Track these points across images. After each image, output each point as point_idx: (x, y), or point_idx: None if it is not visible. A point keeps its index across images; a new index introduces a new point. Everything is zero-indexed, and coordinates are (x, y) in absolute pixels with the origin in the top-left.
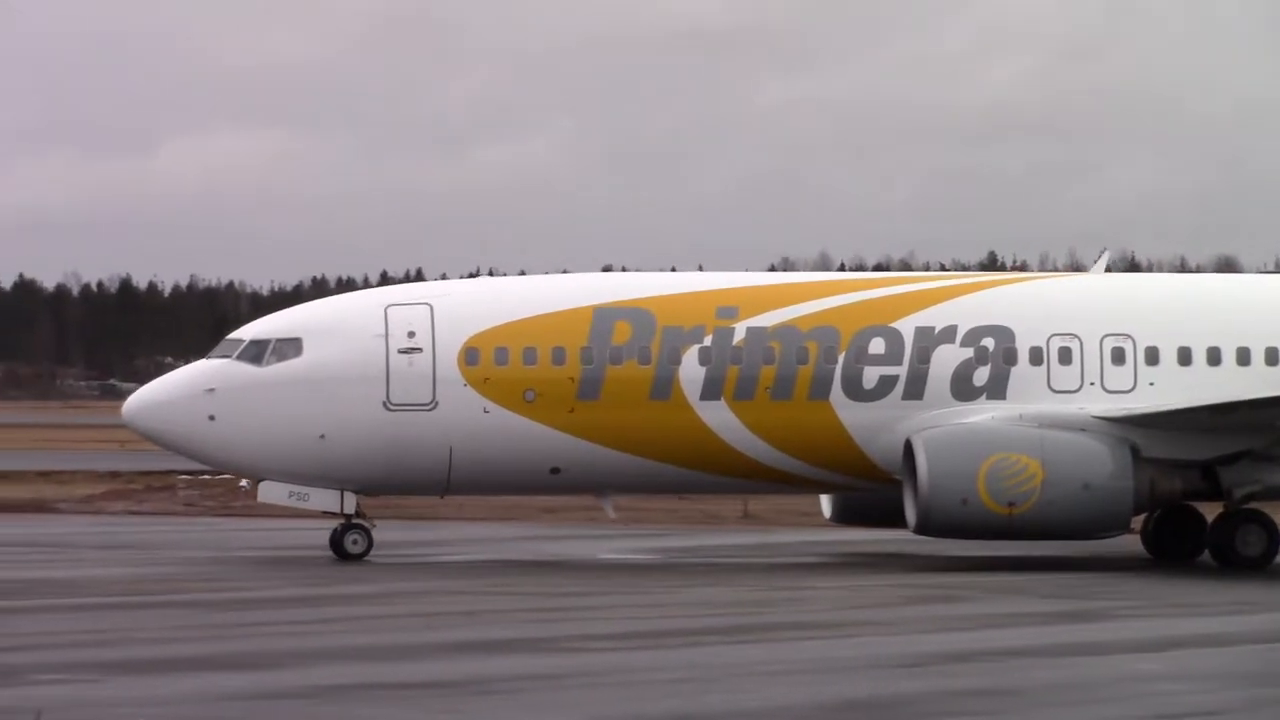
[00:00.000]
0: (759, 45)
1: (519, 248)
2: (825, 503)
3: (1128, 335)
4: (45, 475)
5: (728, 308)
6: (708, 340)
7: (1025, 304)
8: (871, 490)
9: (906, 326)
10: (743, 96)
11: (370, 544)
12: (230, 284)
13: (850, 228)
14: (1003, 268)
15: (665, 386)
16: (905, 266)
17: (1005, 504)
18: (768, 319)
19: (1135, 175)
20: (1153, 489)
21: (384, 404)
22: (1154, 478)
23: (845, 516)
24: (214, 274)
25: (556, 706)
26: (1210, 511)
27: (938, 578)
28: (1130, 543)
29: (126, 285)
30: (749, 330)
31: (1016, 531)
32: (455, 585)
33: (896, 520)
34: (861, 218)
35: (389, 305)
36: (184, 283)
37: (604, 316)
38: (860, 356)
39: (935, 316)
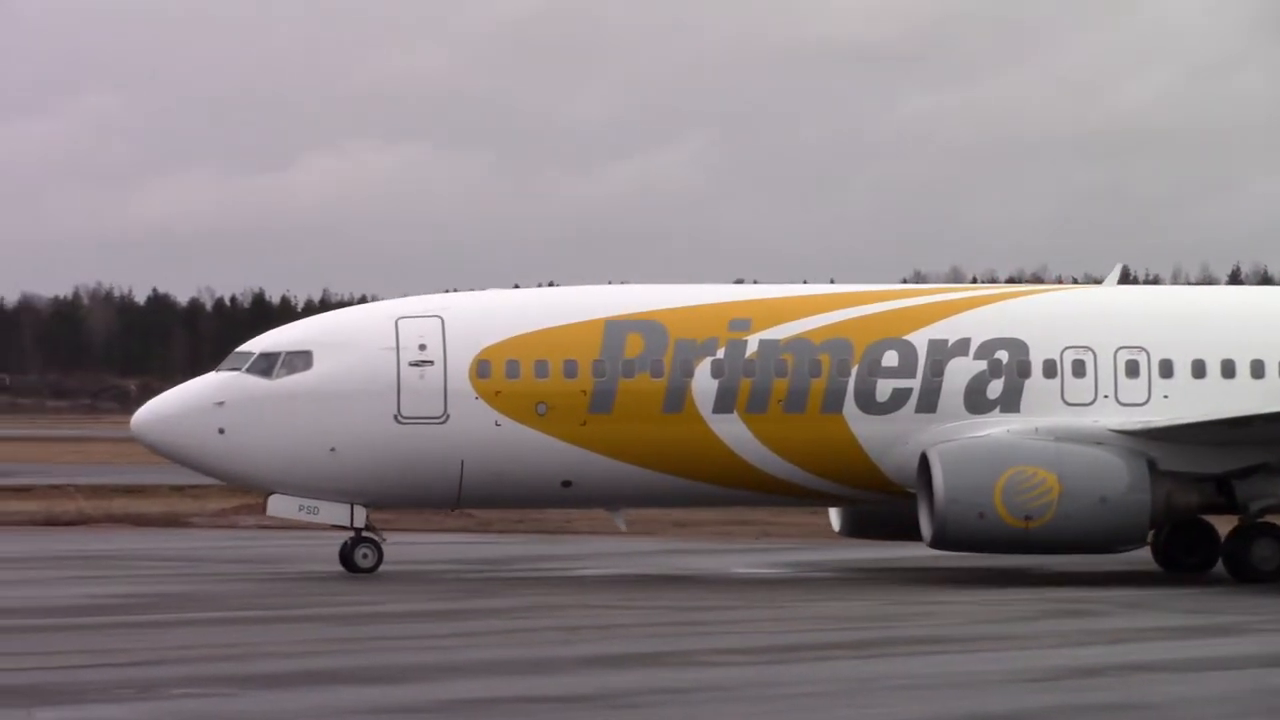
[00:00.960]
0: (897, 60)
1: (654, 262)
2: (834, 516)
3: (1142, 348)
4: (178, 490)
5: (740, 320)
6: (720, 353)
7: (1039, 316)
8: (882, 503)
9: (920, 339)
10: (880, 111)
11: (380, 558)
12: (363, 298)
13: (984, 241)
14: (1135, 281)
15: (678, 399)
16: (1037, 280)
17: (1022, 517)
18: (780, 331)
19: (1271, 190)
20: (1169, 502)
21: (395, 417)
22: (1170, 491)
23: (855, 530)
24: (347, 289)
25: None
26: (1222, 524)
27: (1069, 592)
28: (1139, 556)
29: (260, 299)
30: (761, 343)
31: (1033, 545)
32: (589, 599)
33: (907, 533)
34: (995, 231)
35: (400, 318)
36: (316, 297)
37: (616, 329)
38: (873, 369)
39: (948, 329)
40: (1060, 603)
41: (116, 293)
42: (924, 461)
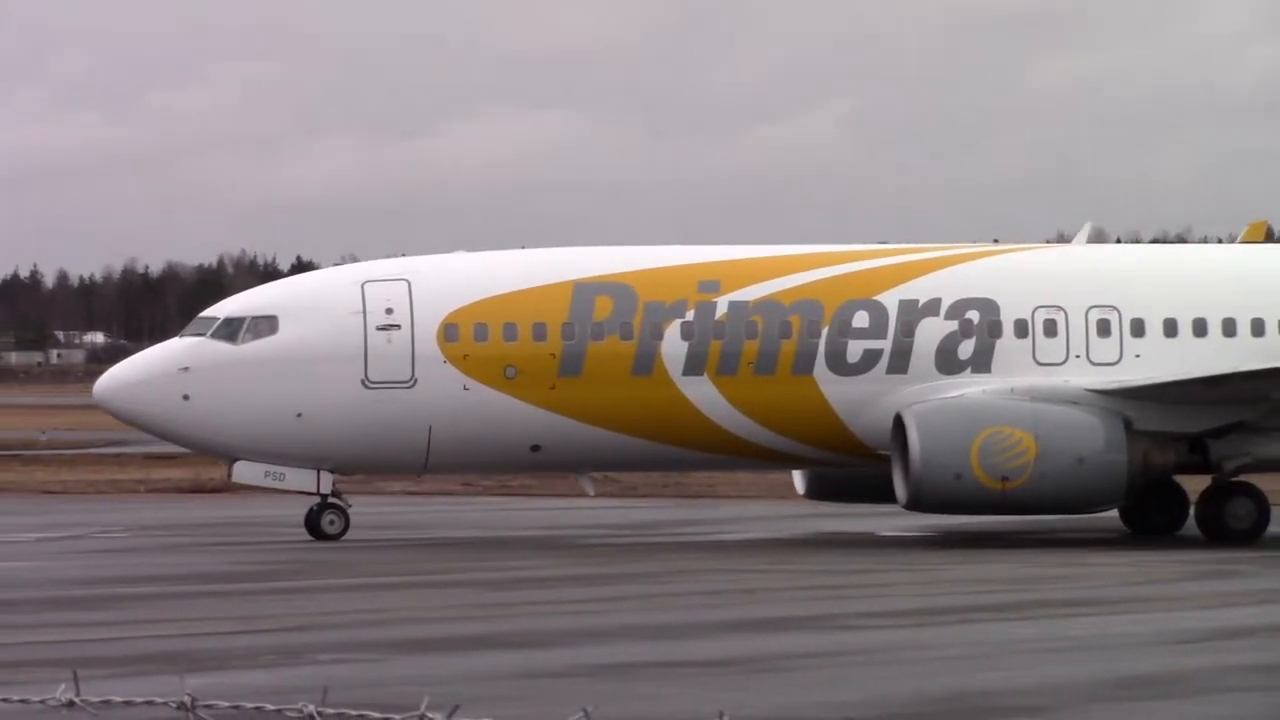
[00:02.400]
0: (1037, 26)
1: (799, 227)
2: (798, 478)
3: (1113, 307)
4: None
5: (709, 282)
6: (690, 315)
7: (1009, 276)
8: (847, 465)
9: (890, 299)
10: (1021, 74)
11: (347, 524)
12: None
13: (1125, 204)
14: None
15: (647, 362)
16: (1181, 241)
17: (999, 478)
18: (750, 293)
19: None
20: (1145, 462)
21: (362, 382)
22: (1147, 450)
23: (819, 492)
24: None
25: (835, 684)
26: (1191, 484)
27: (1219, 553)
28: (1105, 519)
29: None
30: (731, 305)
31: (1010, 506)
32: (734, 564)
33: (871, 496)
34: (1137, 194)
35: (366, 281)
36: None
37: (584, 292)
38: (844, 330)
39: (919, 289)
40: (1205, 564)
41: (261, 260)
42: (898, 422)
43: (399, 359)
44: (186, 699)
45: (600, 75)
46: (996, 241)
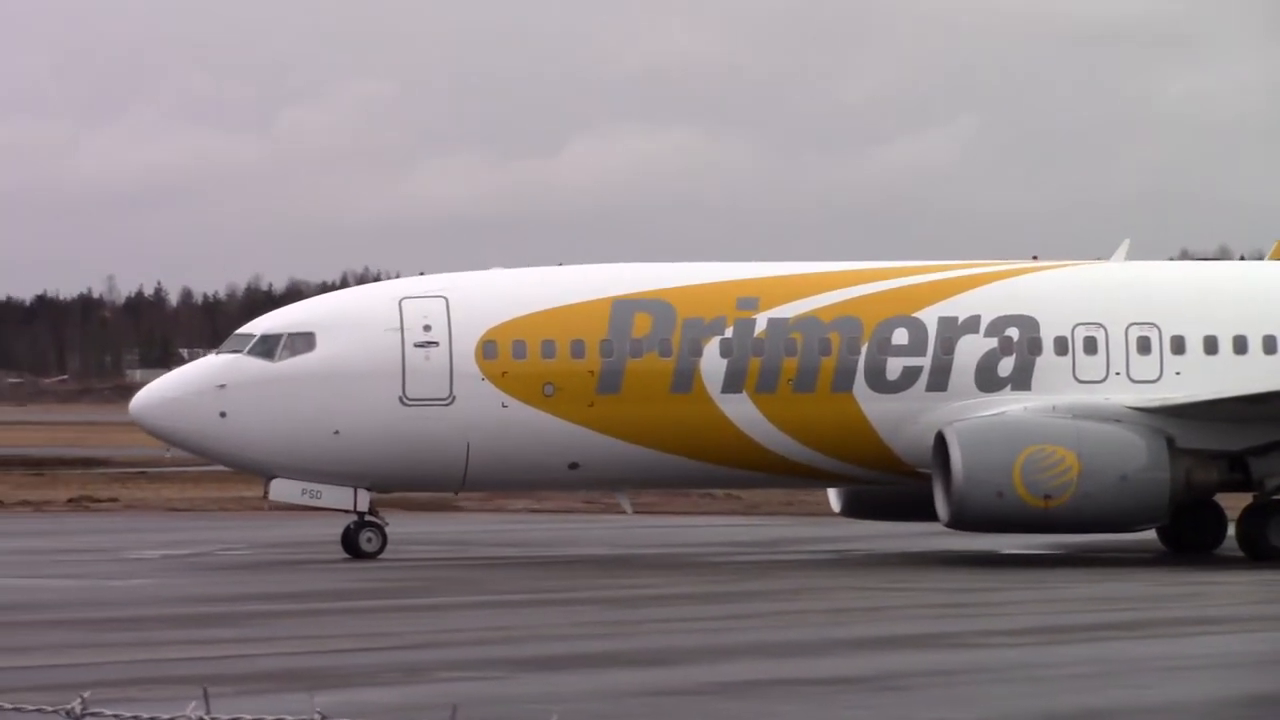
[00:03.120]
0: (1160, 41)
1: (918, 241)
2: (834, 496)
3: (1153, 324)
4: None
5: (748, 299)
6: (729, 332)
7: (1049, 293)
8: (886, 483)
9: (929, 316)
10: (1142, 90)
11: (384, 542)
12: None
13: (1251, 219)
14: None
15: (686, 379)
16: None
17: (1041, 496)
18: (789, 310)
19: None
20: (1188, 480)
21: (400, 399)
22: (1189, 468)
23: (855, 510)
24: None
25: (959, 702)
26: (1228, 502)
27: None
28: (1142, 538)
29: None
30: (770, 321)
31: (1052, 524)
32: (858, 581)
33: (908, 514)
34: (1262, 209)
35: (403, 298)
36: None
37: (623, 308)
38: (883, 347)
39: (958, 306)
40: None
41: (384, 278)
42: (940, 440)
43: (437, 376)
44: (316, 716)
45: (723, 93)
46: (1036, 258)
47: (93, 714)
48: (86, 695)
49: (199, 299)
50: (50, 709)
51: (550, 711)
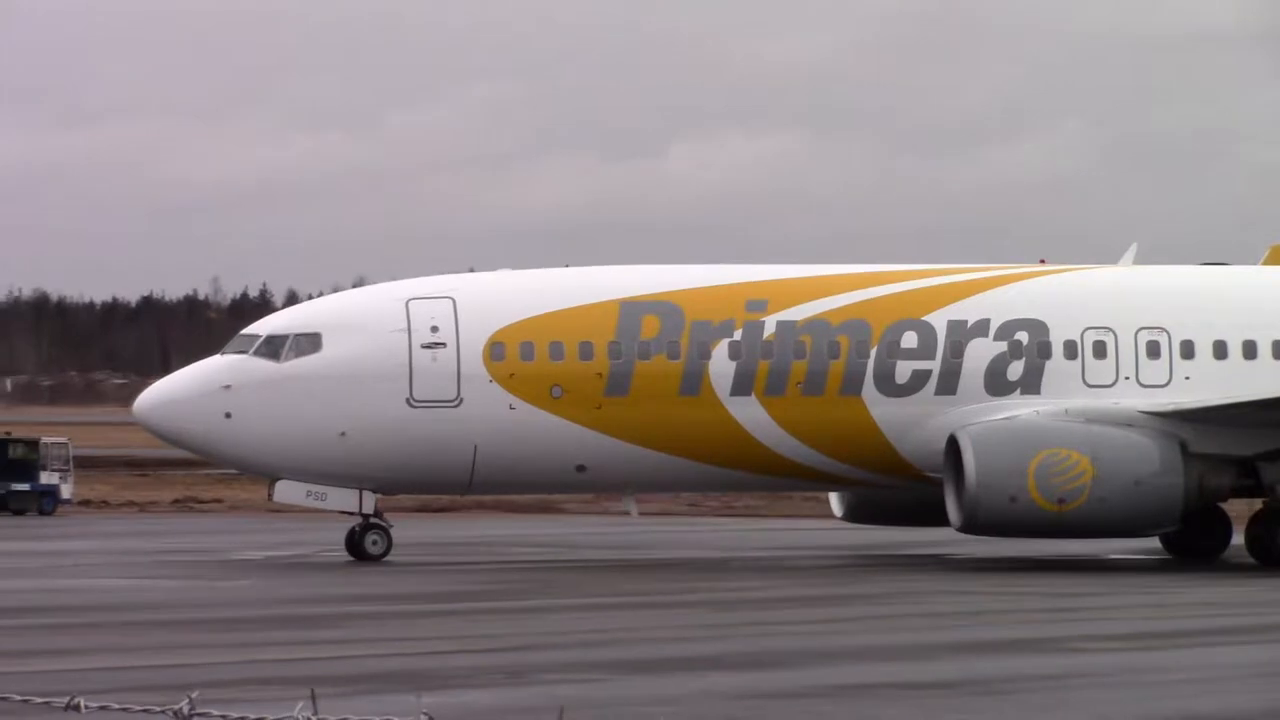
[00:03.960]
0: (1264, 46)
1: (1021, 244)
2: (835, 500)
3: (1162, 329)
4: None
5: (757, 301)
6: (737, 334)
7: (1058, 297)
8: (892, 487)
9: (939, 320)
10: (1246, 95)
11: (390, 544)
12: None
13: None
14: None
15: (694, 382)
16: None
17: (1055, 501)
18: (797, 312)
19: None
20: (1201, 485)
21: (407, 400)
22: (1203, 474)
23: (857, 515)
24: None
25: (1062, 707)
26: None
27: None
28: (1145, 544)
29: None
30: (779, 324)
31: (1065, 529)
32: (961, 585)
33: (911, 519)
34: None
35: (410, 299)
36: None
37: (631, 310)
38: (892, 351)
39: (968, 309)
40: None
41: None
42: (952, 444)
43: (444, 377)
44: (423, 717)
45: (832, 95)
46: (1043, 262)
47: (200, 714)
48: (194, 695)
49: (303, 300)
50: (158, 709)
51: (657, 714)
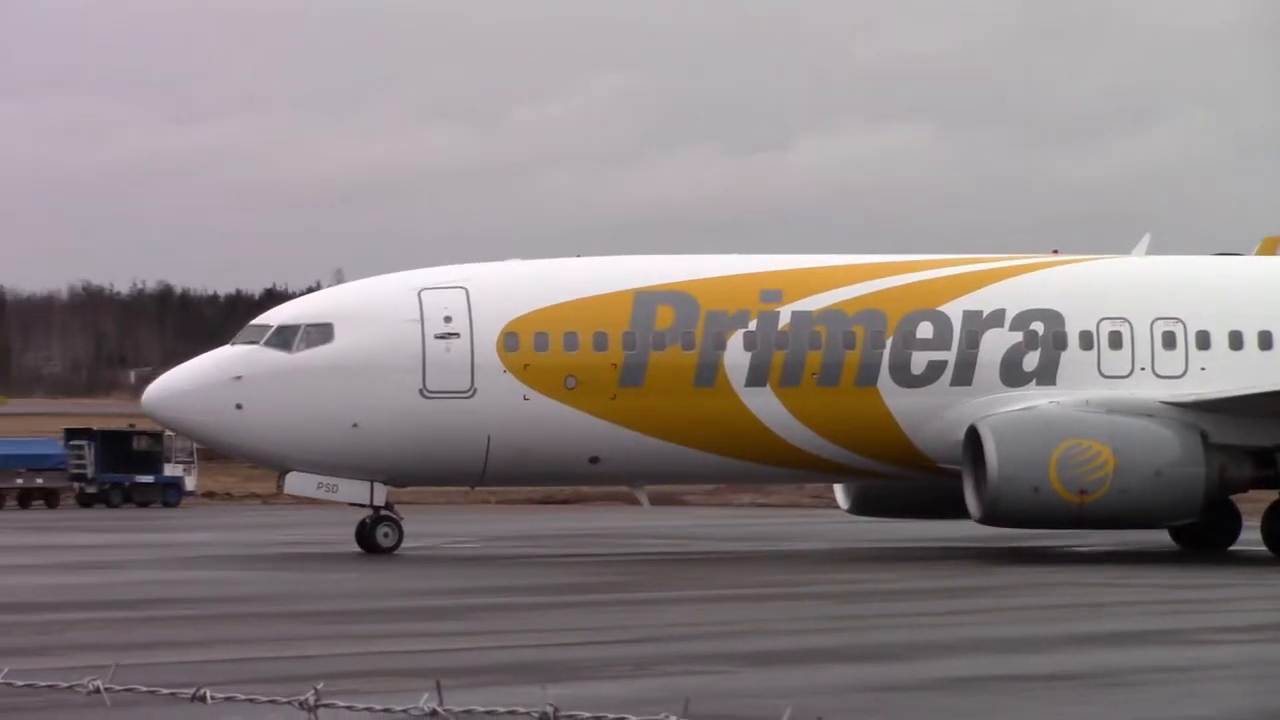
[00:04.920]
0: None
1: (1156, 238)
2: (841, 492)
3: (1178, 319)
4: None
5: (772, 291)
6: (752, 325)
7: (1074, 287)
8: (906, 479)
9: (954, 310)
10: None
11: (401, 536)
12: None
13: None
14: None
15: (710, 373)
16: None
17: (1077, 492)
18: (813, 303)
19: None
20: (1222, 476)
21: (420, 391)
22: (1224, 464)
23: (864, 507)
24: None
25: (1183, 700)
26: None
27: None
28: (1153, 536)
29: None
30: (794, 315)
31: (1087, 520)
32: (1082, 577)
33: (919, 511)
34: None
35: (423, 289)
36: None
37: (646, 300)
38: (908, 341)
39: (983, 300)
40: None
41: None
42: (972, 435)
43: (458, 368)
44: (549, 709)
45: (956, 86)
46: (1056, 252)
47: (326, 705)
48: (319, 686)
49: None
50: (284, 700)
51: (785, 705)
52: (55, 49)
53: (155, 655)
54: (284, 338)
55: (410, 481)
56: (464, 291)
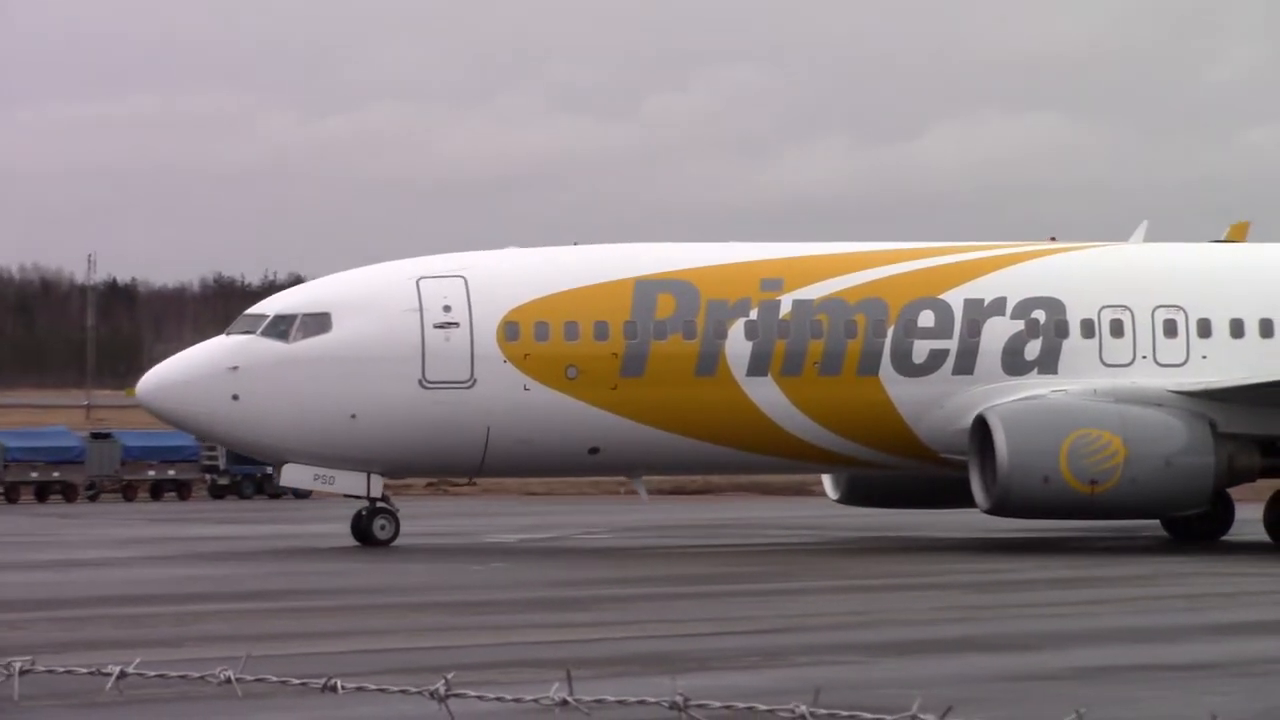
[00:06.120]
0: None
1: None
2: (829, 483)
3: (1179, 307)
4: None
5: (772, 280)
6: (753, 314)
7: (1075, 275)
8: (906, 469)
9: (955, 298)
10: None
11: (398, 529)
12: None
13: None
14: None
15: (711, 362)
16: None
17: (1087, 482)
18: (813, 291)
19: None
20: (1231, 465)
21: (419, 382)
22: (1232, 454)
23: (854, 498)
24: None
25: None
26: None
27: None
28: (1144, 524)
29: None
30: (795, 303)
31: (1096, 510)
32: (1218, 567)
33: (909, 501)
34: None
35: (421, 278)
36: None
37: (646, 289)
38: (910, 330)
39: (984, 288)
40: None
41: None
42: (979, 424)
43: (458, 358)
44: (679, 699)
45: (1089, 77)
46: (1054, 240)
47: (455, 695)
48: (450, 677)
49: None
50: (414, 690)
51: (915, 694)
52: (191, 42)
53: (287, 646)
54: (281, 327)
55: (407, 473)
56: (463, 280)
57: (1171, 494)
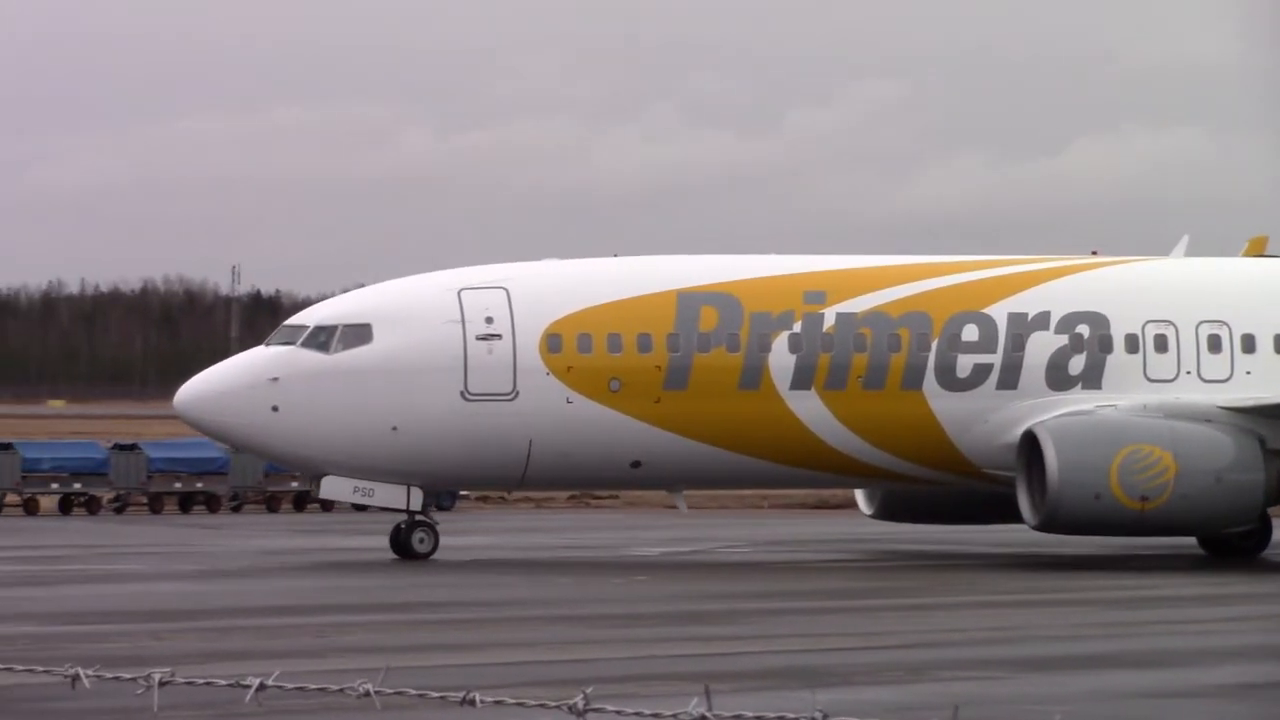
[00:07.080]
0: None
1: None
2: (863, 498)
3: (1223, 322)
4: None
5: (815, 292)
6: (797, 327)
7: (1118, 289)
8: (949, 485)
9: (999, 312)
10: None
11: (437, 542)
12: None
13: None
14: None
15: (754, 375)
16: None
17: (1138, 498)
18: (857, 304)
19: None
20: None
21: (461, 394)
22: None
23: (887, 513)
24: None
25: None
26: None
27: None
28: (1181, 541)
29: None
30: (839, 316)
31: (1146, 527)
32: None
33: (944, 517)
34: None
35: (463, 289)
36: None
37: (689, 301)
38: (953, 344)
39: (1028, 302)
40: None
41: None
42: (1028, 439)
43: (500, 370)
44: (818, 714)
45: (1231, 92)
46: (1095, 253)
47: (594, 709)
48: (589, 691)
49: None
50: (553, 704)
51: (1053, 712)
52: (339, 58)
53: (427, 658)
54: (321, 338)
55: (447, 485)
56: (505, 292)
57: (1222, 510)
